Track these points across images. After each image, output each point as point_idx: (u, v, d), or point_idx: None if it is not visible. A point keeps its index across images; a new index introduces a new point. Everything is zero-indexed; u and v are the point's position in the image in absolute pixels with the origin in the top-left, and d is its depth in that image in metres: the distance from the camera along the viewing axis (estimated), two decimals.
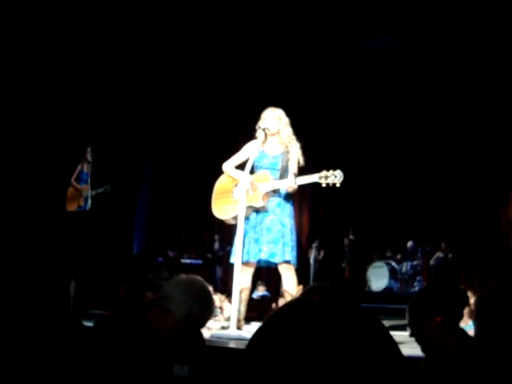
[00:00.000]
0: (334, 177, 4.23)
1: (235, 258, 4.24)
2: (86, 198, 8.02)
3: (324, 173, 4.26)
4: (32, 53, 8.22)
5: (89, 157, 8.08)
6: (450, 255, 9.92)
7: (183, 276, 2.43)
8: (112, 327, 2.32)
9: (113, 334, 2.30)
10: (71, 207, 8.08)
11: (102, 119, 9.47)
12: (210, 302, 2.38)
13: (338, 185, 4.24)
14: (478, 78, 9.62)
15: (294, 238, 4.53)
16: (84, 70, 9.01)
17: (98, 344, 2.26)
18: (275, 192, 4.52)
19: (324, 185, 4.27)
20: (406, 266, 10.11)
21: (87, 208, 7.96)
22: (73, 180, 8.17)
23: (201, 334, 2.57)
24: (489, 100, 9.71)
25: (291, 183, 4.35)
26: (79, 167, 8.23)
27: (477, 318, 1.87)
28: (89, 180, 8.04)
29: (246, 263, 4.44)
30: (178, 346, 2.36)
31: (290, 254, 4.44)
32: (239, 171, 4.66)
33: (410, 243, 10.29)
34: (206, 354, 2.57)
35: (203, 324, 2.44)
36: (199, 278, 2.44)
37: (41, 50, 8.33)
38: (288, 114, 4.76)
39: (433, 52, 9.59)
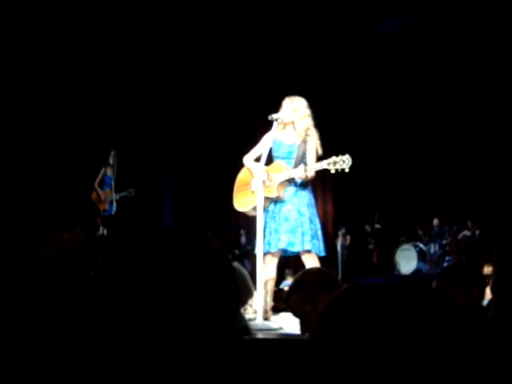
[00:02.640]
0: (343, 162, 4.20)
1: (257, 249, 4.27)
2: (111, 202, 8.08)
3: (333, 159, 4.24)
4: (58, 58, 8.34)
5: (111, 160, 8.14)
6: (477, 232, 9.79)
7: None
8: None
9: None
10: None
11: (125, 123, 9.57)
12: None
13: (346, 170, 4.20)
14: (493, 58, 9.46)
15: (314, 226, 4.50)
16: (108, 75, 9.15)
17: None
18: (291, 181, 4.51)
19: (333, 171, 4.25)
20: (434, 247, 10.01)
21: (112, 212, 8.03)
22: (96, 184, 8.24)
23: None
24: (506, 78, 9.52)
25: (301, 172, 4.35)
26: (102, 171, 8.30)
27: (493, 289, 1.88)
28: (112, 184, 8.09)
29: (268, 254, 4.46)
30: None
31: (310, 243, 4.42)
32: (255, 163, 4.67)
33: (435, 221, 10.16)
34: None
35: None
36: None
37: (67, 56, 8.45)
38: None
39: (445, 33, 9.47)
